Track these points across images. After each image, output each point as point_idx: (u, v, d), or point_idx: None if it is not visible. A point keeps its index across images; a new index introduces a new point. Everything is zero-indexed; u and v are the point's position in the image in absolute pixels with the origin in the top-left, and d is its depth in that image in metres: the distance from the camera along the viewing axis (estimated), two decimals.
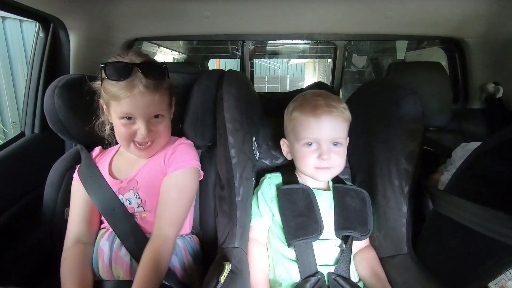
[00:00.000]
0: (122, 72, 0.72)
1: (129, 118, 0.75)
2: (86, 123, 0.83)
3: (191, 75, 0.92)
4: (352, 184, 0.91)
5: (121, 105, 0.73)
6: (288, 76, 10.83)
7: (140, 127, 0.75)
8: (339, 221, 0.77)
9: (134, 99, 0.72)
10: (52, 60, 1.06)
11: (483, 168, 0.54)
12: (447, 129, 1.31)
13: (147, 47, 2.00)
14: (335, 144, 0.78)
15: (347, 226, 0.77)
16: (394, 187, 0.78)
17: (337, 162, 0.78)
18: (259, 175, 0.91)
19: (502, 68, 1.27)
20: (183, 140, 0.88)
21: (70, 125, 0.86)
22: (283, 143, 0.87)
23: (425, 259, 0.70)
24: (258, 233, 0.81)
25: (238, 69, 1.70)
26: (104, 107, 0.79)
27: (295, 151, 0.82)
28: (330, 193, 0.82)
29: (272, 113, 1.00)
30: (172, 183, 0.78)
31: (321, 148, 0.77)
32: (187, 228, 0.87)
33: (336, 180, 0.87)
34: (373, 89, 0.95)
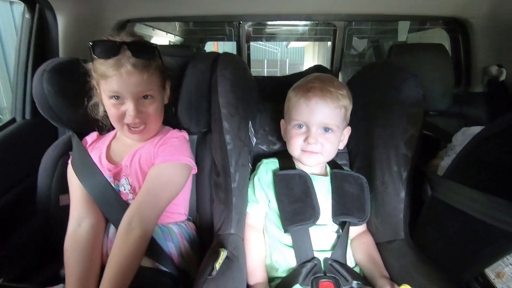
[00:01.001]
0: (110, 50, 0.71)
1: (117, 97, 0.74)
2: (78, 108, 0.81)
3: (184, 59, 0.89)
4: (350, 170, 0.90)
5: (108, 83, 0.72)
6: (287, 59, 10.67)
7: (129, 107, 0.74)
8: (336, 206, 0.77)
9: (121, 78, 0.71)
10: (40, 43, 1.02)
11: (484, 154, 0.52)
12: (448, 113, 1.29)
13: (141, 29, 1.93)
14: (326, 130, 0.76)
15: (345, 212, 0.76)
16: (392, 173, 0.77)
17: (326, 148, 0.76)
18: (256, 161, 0.89)
19: (506, 50, 1.23)
20: (176, 133, 0.86)
21: (61, 111, 0.84)
22: (282, 124, 0.86)
23: (423, 245, 0.70)
24: (254, 219, 0.81)
25: (235, 52, 1.65)
26: (96, 87, 0.78)
27: (287, 132, 0.81)
28: (328, 178, 0.81)
29: (269, 98, 0.98)
30: (157, 175, 0.76)
31: (310, 131, 0.75)
32: (182, 215, 0.86)
33: (334, 165, 0.86)
34: (373, 72, 0.92)
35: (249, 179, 0.84)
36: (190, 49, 1.16)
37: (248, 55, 1.65)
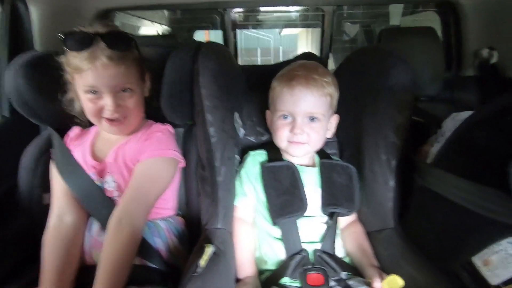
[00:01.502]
0: (83, 42, 0.68)
1: (94, 92, 0.71)
2: (56, 104, 0.78)
3: (167, 49, 0.85)
4: (339, 159, 0.88)
5: (83, 77, 0.69)
6: (281, 47, 10.53)
7: (107, 101, 0.71)
8: (325, 197, 0.76)
9: (96, 71, 0.68)
10: (13, 35, 0.97)
11: (472, 141, 0.51)
12: (439, 98, 1.27)
13: (127, 19, 1.86)
14: (312, 119, 0.74)
15: (333, 203, 0.75)
16: (381, 162, 0.76)
17: (312, 138, 0.75)
18: (245, 152, 0.87)
19: (497, 32, 1.20)
20: (160, 126, 0.84)
21: (38, 106, 0.81)
22: (268, 114, 0.84)
23: (412, 233, 0.69)
24: (243, 212, 0.79)
25: (221, 41, 1.60)
26: (71, 82, 0.74)
27: (272, 123, 0.79)
28: (316, 169, 0.80)
29: (256, 87, 0.95)
30: (144, 171, 0.74)
31: (295, 121, 0.73)
32: (170, 210, 0.85)
33: (323, 155, 0.85)
34: (363, 58, 0.90)
35: (237, 171, 0.82)
36: (174, 38, 1.10)
37: (235, 44, 1.60)
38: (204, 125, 0.73)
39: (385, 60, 0.80)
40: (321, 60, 1.46)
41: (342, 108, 0.84)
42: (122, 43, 0.71)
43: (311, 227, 0.74)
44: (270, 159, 0.80)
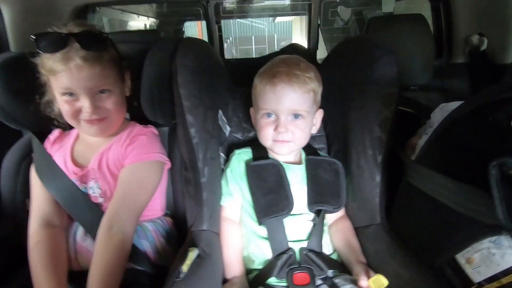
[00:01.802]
0: (56, 43, 0.66)
1: (70, 94, 0.69)
2: (34, 107, 0.75)
3: (146, 45, 0.82)
4: (327, 155, 0.87)
5: (58, 80, 0.67)
6: (275, 34, 10.41)
7: (84, 103, 0.69)
8: (311, 195, 0.75)
9: (71, 73, 0.66)
10: None
11: (454, 137, 0.50)
12: (430, 87, 1.25)
13: (112, 14, 1.80)
14: (296, 116, 0.72)
15: (320, 200, 0.74)
16: (367, 157, 0.75)
17: (297, 135, 0.73)
18: (232, 150, 0.85)
19: (487, 18, 1.18)
20: (143, 129, 0.82)
21: (15, 111, 0.78)
22: (252, 112, 0.82)
23: (398, 229, 0.69)
24: (230, 212, 0.78)
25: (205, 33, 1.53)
26: (47, 84, 0.72)
27: (256, 122, 0.77)
28: (302, 166, 0.79)
29: (242, 82, 0.93)
30: (130, 176, 0.73)
31: (279, 119, 0.72)
32: (158, 211, 0.84)
33: (310, 151, 0.83)
34: (349, 49, 0.88)
35: (223, 170, 0.81)
36: (156, 33, 1.05)
37: (220, 36, 1.54)
38: (184, 126, 0.71)
39: (371, 51, 0.77)
40: (309, 51, 1.43)
41: (329, 102, 0.83)
42: (97, 43, 0.69)
43: (298, 225, 0.74)
44: (255, 158, 0.79)
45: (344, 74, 0.83)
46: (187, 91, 0.71)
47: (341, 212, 0.81)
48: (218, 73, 0.84)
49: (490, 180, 0.38)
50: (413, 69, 1.17)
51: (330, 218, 0.80)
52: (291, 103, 0.71)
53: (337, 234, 0.78)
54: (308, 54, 1.10)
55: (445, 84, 1.31)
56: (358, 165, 0.76)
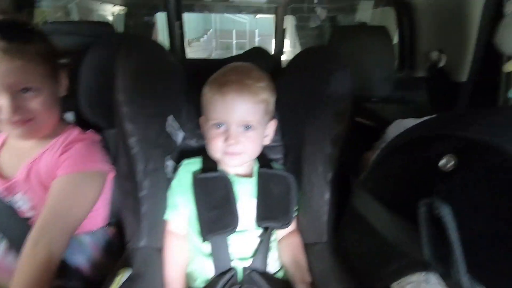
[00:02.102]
0: None
1: None
2: None
3: (90, 38, 0.75)
4: (281, 166, 0.85)
5: None
6: (256, 30, 10.35)
7: (2, 102, 0.60)
8: (260, 210, 0.72)
9: None
10: None
11: (393, 166, 0.48)
12: (391, 99, 1.27)
13: (87, 4, 1.65)
14: (247, 127, 0.69)
15: (269, 216, 0.72)
16: (318, 173, 0.73)
17: (248, 147, 0.70)
18: (184, 157, 0.80)
19: (447, 35, 1.21)
20: (81, 135, 0.74)
21: None
22: (202, 121, 0.77)
23: (344, 250, 0.67)
24: (174, 225, 0.74)
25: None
26: None
27: (205, 132, 0.73)
28: (253, 179, 0.75)
29: (198, 85, 0.87)
30: (61, 189, 0.66)
31: (229, 131, 0.68)
32: (99, 222, 0.78)
33: (263, 162, 0.80)
34: (308, 60, 0.85)
35: (170, 180, 0.76)
36: (108, 26, 0.95)
37: (181, 34, 1.43)
38: (123, 135, 0.65)
39: (327, 64, 0.76)
40: (274, 56, 1.39)
41: (287, 110, 0.80)
42: (19, 34, 0.61)
43: (244, 242, 0.71)
44: (204, 169, 0.74)
45: (303, 83, 0.81)
46: (127, 96, 0.65)
47: (292, 227, 0.79)
48: (168, 75, 0.79)
49: (419, 219, 0.37)
50: (373, 81, 1.18)
51: (280, 232, 0.77)
52: (241, 114, 0.67)
53: (285, 250, 0.76)
54: (272, 59, 1.07)
55: (407, 96, 1.34)
56: (309, 180, 0.75)
